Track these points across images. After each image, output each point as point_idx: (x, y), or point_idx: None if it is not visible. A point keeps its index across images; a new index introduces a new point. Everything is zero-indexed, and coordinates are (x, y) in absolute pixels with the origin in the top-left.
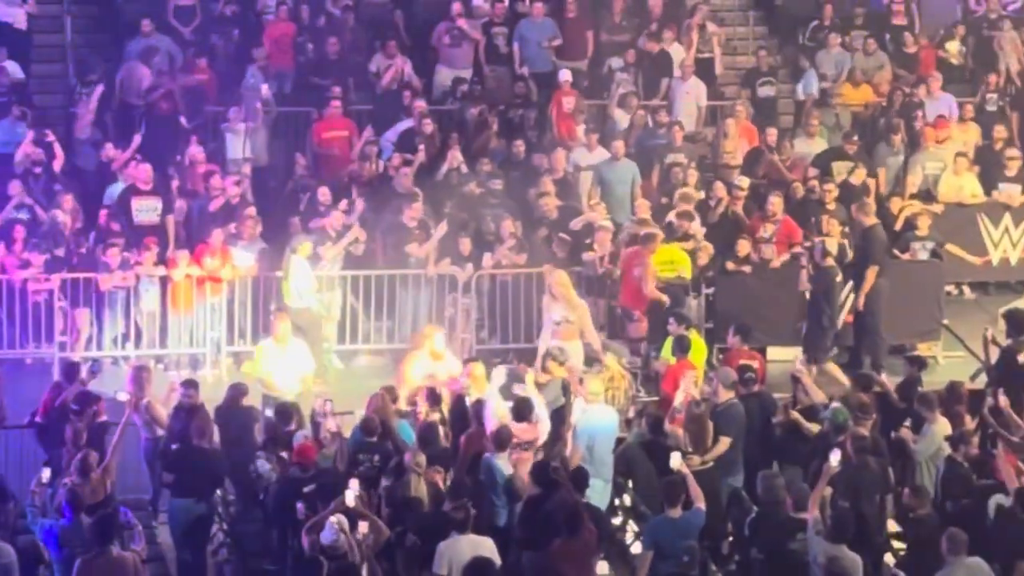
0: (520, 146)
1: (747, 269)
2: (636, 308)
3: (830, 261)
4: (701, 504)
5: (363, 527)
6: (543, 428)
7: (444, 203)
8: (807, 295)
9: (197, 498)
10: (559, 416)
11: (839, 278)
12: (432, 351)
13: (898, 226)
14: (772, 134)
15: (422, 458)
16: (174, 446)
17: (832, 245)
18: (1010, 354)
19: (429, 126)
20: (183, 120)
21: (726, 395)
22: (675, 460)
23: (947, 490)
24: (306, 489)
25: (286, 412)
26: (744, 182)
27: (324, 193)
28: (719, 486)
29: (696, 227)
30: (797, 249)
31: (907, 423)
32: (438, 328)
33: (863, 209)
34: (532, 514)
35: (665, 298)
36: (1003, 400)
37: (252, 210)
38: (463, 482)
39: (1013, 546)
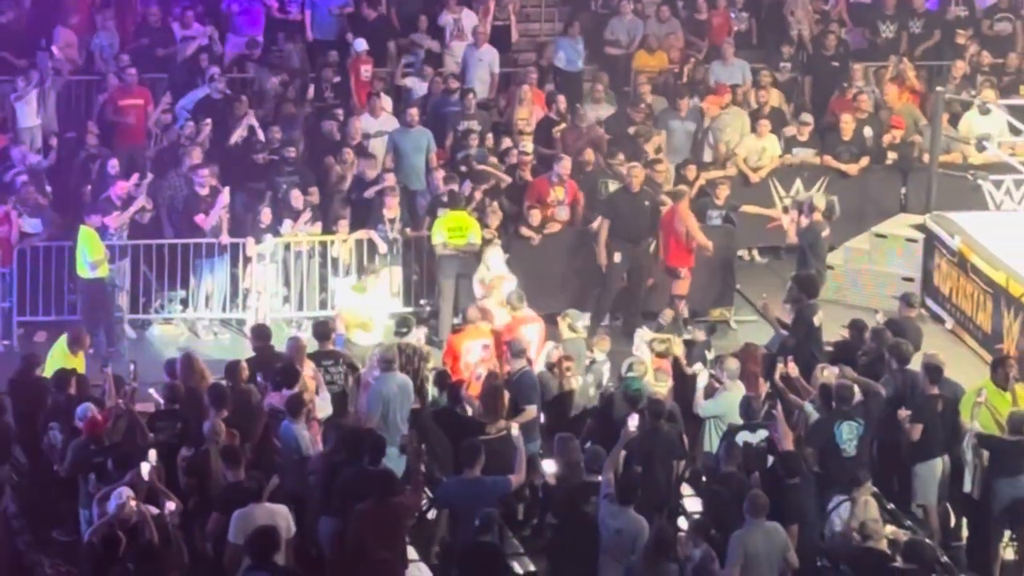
0: (314, 114)
1: (537, 237)
2: (683, 265)
3: (817, 216)
4: (519, 476)
5: (170, 505)
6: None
7: (239, 172)
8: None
9: None
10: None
11: (825, 232)
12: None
13: (693, 193)
14: (562, 101)
15: (221, 427)
16: None
17: (820, 201)
18: (804, 316)
19: (224, 94)
20: None
21: (518, 364)
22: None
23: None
24: (96, 460)
25: (62, 379)
26: (529, 146)
27: (114, 166)
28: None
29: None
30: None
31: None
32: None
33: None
34: (333, 480)
35: (711, 245)
36: (792, 368)
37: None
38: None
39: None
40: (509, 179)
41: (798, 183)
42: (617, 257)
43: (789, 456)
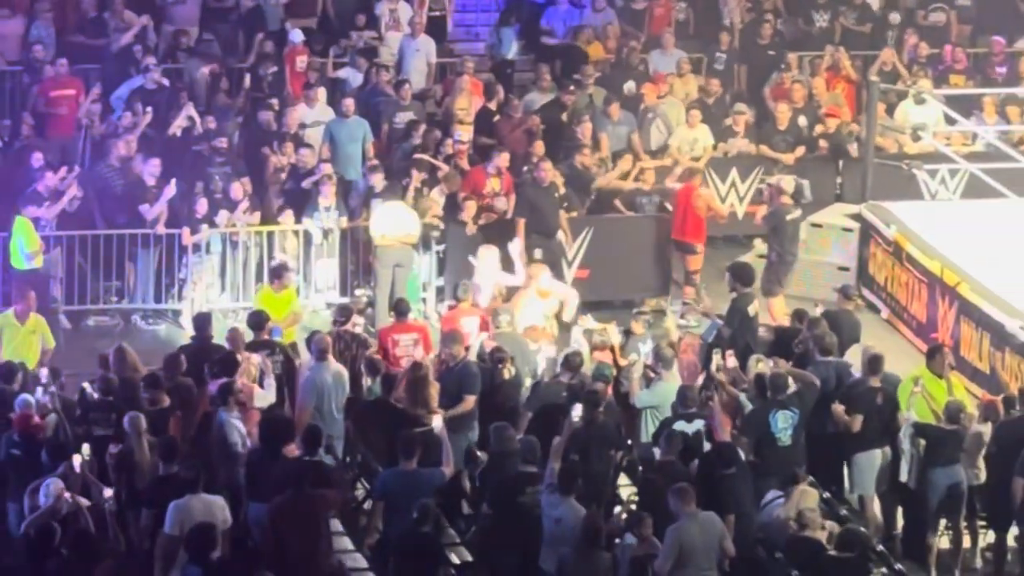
0: (250, 104)
1: (473, 228)
2: (698, 241)
3: (785, 200)
4: (449, 467)
5: (107, 491)
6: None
7: (175, 162)
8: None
9: None
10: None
11: (791, 216)
12: (539, 290)
13: (628, 184)
14: (500, 91)
15: (142, 420)
16: None
17: (788, 184)
18: (739, 306)
19: (158, 84)
20: None
21: (457, 354)
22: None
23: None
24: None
25: (8, 371)
26: (464, 135)
27: (38, 159)
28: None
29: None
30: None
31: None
32: (543, 267)
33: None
34: (256, 470)
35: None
36: (731, 360)
37: None
38: None
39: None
40: (446, 167)
41: (733, 173)
42: (538, 253)
43: (725, 446)
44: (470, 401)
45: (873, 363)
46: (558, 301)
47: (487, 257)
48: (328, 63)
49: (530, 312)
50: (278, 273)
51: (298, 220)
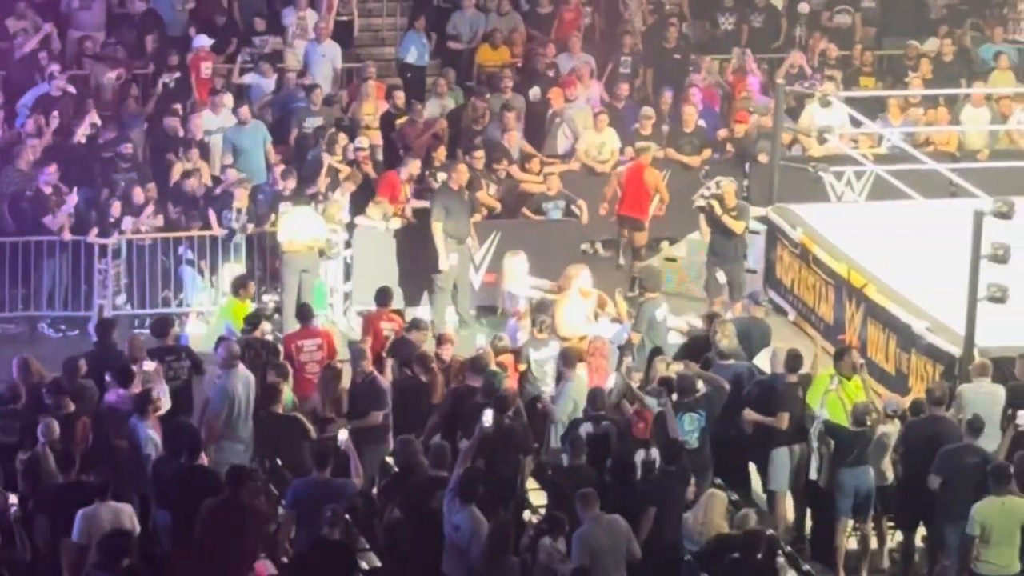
0: (156, 111)
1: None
2: (645, 217)
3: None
4: (359, 478)
5: (12, 498)
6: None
7: (80, 169)
8: None
9: None
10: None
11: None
12: (581, 290)
13: (536, 188)
14: (400, 97)
15: (55, 426)
16: None
17: (730, 187)
18: (646, 311)
19: (63, 91)
20: None
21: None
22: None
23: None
24: None
25: None
26: (365, 142)
27: None
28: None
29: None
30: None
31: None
32: (582, 267)
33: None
34: (163, 478)
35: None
36: (626, 361)
37: None
38: None
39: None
40: (347, 169)
41: None
42: (453, 259)
43: (672, 443)
44: (376, 416)
45: (793, 361)
46: (596, 298)
47: (515, 264)
48: (235, 69)
49: (574, 313)
50: (243, 283)
51: (207, 226)
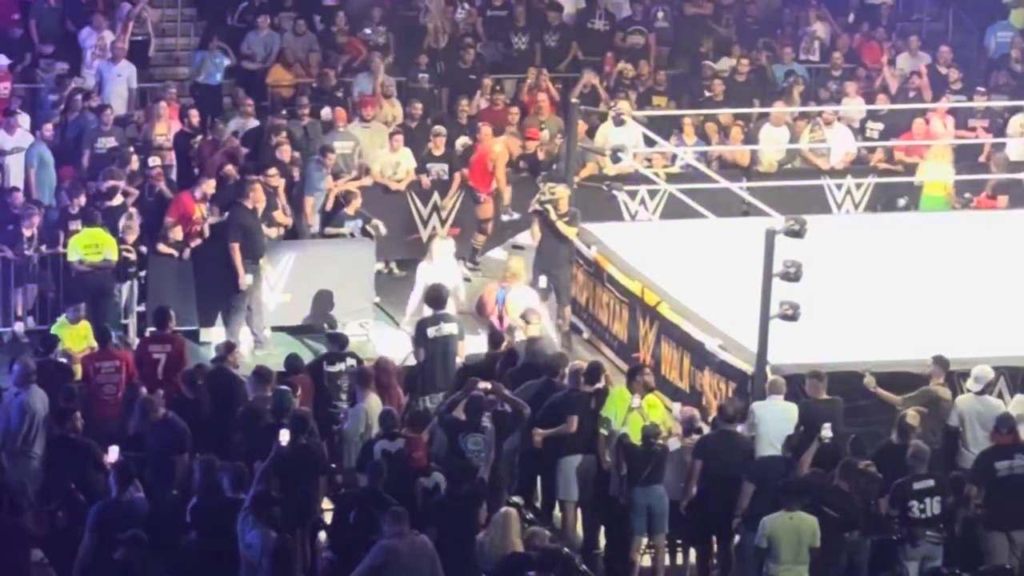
0: None
1: (176, 253)
2: (484, 190)
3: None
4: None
5: None
6: None
7: None
8: None
9: None
10: None
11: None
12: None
13: (329, 205)
14: (195, 116)
15: None
16: None
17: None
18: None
19: None
20: None
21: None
22: None
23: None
24: None
25: None
26: (156, 160)
27: None
28: None
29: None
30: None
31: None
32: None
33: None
34: None
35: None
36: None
37: None
38: None
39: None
40: (136, 192)
41: (435, 197)
42: (249, 279)
43: (457, 467)
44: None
45: (593, 372)
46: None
47: (445, 247)
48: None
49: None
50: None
51: None
